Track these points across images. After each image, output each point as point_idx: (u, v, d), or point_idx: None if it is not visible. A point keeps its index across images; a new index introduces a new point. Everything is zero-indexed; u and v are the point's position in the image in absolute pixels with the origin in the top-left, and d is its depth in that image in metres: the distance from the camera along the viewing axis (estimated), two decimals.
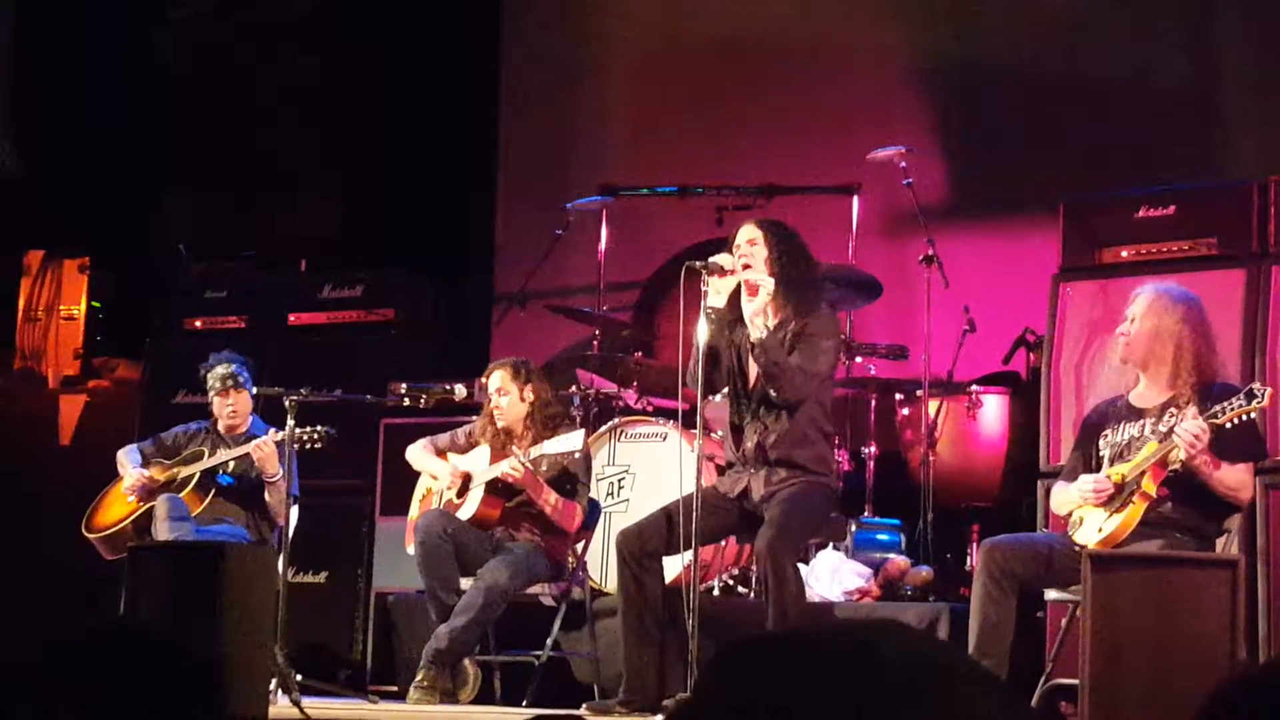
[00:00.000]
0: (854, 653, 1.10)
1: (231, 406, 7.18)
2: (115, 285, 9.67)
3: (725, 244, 6.21)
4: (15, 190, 9.61)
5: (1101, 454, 5.59)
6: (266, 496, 7.01)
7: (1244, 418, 5.23)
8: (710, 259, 6.02)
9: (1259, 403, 5.19)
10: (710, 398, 6.24)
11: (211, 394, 7.24)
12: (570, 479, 6.77)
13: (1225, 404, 5.23)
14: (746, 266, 5.97)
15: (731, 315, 6.05)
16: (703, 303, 6.01)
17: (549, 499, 6.67)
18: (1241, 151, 7.88)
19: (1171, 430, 5.36)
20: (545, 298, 8.69)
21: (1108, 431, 5.61)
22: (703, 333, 6.00)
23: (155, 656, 1.74)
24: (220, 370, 7.19)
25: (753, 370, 6.03)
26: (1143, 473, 5.37)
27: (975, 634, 5.47)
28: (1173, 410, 5.48)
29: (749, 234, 6.01)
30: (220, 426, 7.24)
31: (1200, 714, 1.64)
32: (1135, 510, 5.36)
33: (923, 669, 1.09)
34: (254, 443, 6.95)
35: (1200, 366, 5.51)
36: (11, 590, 8.05)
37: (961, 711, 1.07)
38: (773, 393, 5.93)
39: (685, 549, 6.11)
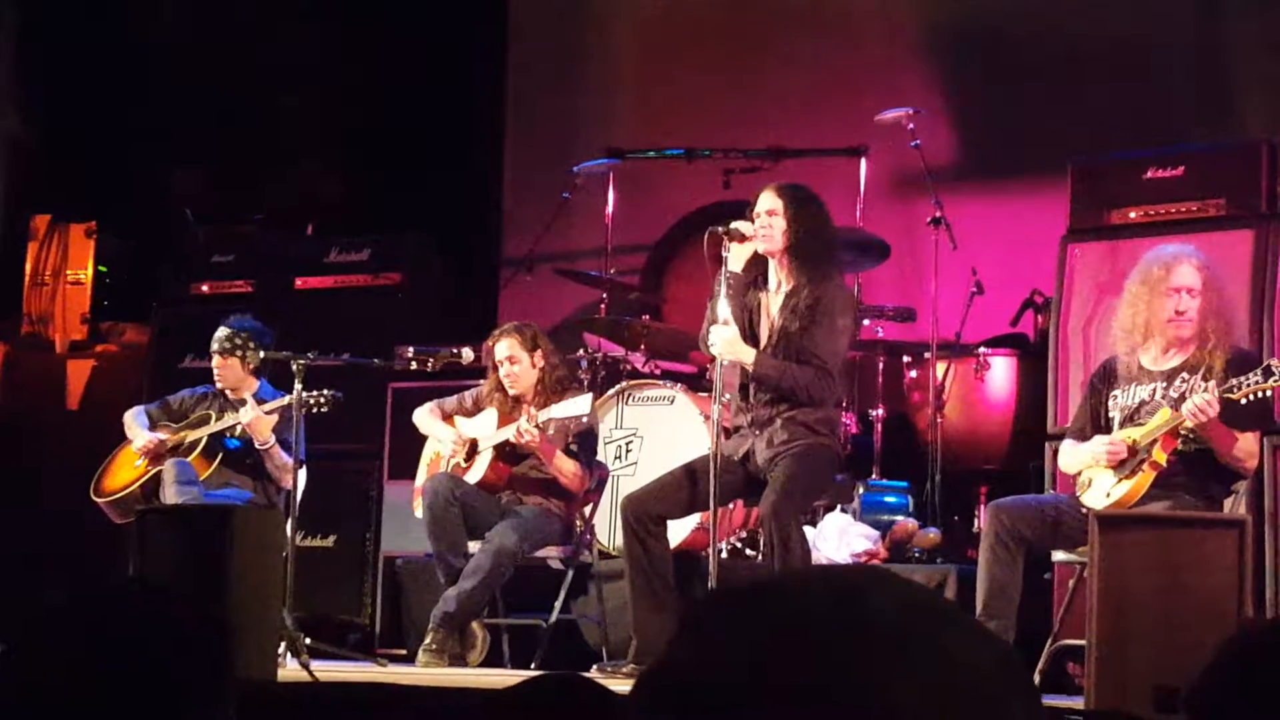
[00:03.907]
0: (835, 605, 1.06)
1: (218, 370, 7.17)
2: (122, 249, 9.67)
3: (732, 207, 6.19)
4: (22, 155, 9.61)
5: (1111, 415, 5.58)
6: (265, 463, 7.01)
7: (1259, 394, 5.21)
8: (732, 224, 5.99)
9: (1276, 381, 5.17)
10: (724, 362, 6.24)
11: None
12: (578, 442, 6.77)
13: (1242, 379, 5.21)
14: (764, 238, 5.95)
15: (746, 280, 6.04)
16: (722, 268, 5.99)
17: (560, 463, 6.68)
18: (1251, 111, 7.85)
19: (1183, 397, 5.34)
20: (552, 261, 8.67)
21: (1117, 392, 5.60)
22: (720, 297, 5.98)
23: (166, 617, 1.74)
24: (219, 332, 7.18)
25: (764, 334, 6.02)
26: (1154, 441, 5.35)
27: (982, 596, 5.48)
28: (1184, 375, 5.46)
29: (769, 203, 5.97)
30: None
31: (1207, 673, 1.64)
32: (1144, 478, 5.36)
33: (909, 621, 1.05)
34: (241, 410, 6.95)
35: (1230, 332, 5.49)
36: (20, 555, 8.07)
37: (950, 664, 1.04)
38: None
39: (691, 513, 6.12)
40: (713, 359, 5.99)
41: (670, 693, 1.06)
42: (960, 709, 1.03)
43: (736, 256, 5.99)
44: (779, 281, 6.02)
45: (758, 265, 6.05)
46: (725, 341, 5.92)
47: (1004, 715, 1.04)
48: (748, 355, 5.93)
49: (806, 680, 1.02)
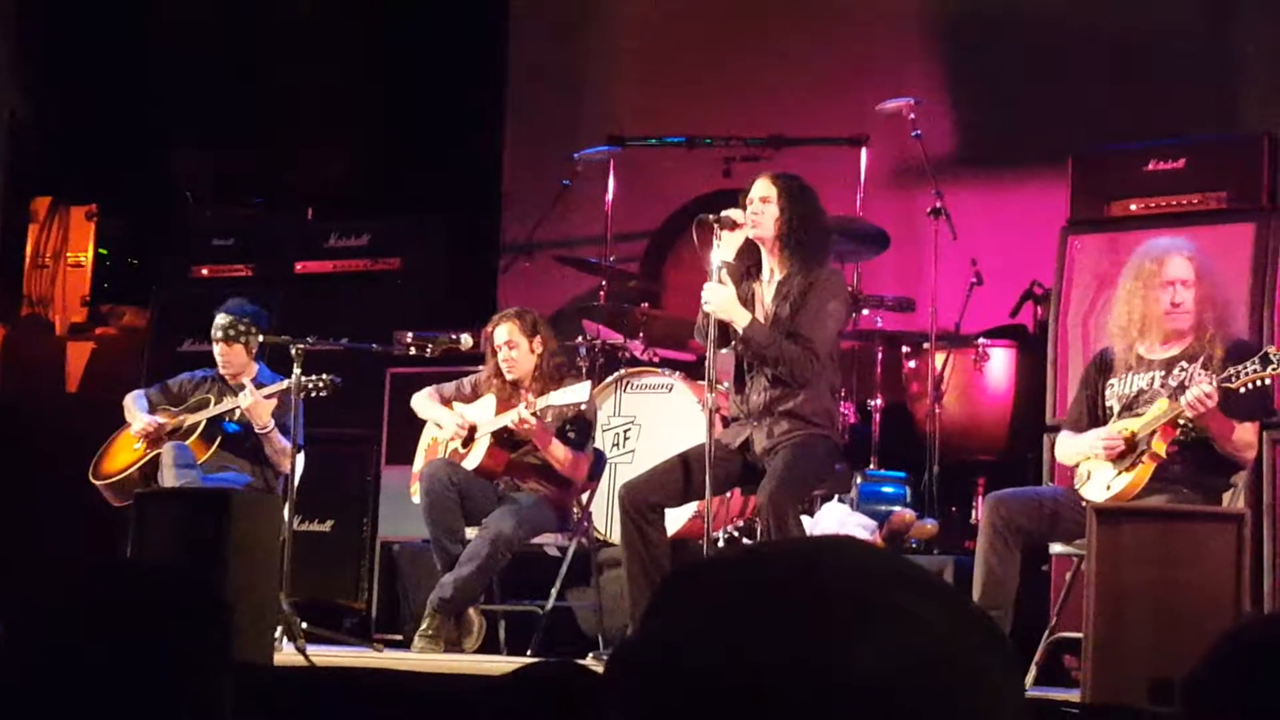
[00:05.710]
0: (794, 575, 1.05)
1: (222, 357, 7.16)
2: (122, 232, 9.66)
3: (733, 195, 6.19)
4: (23, 137, 9.60)
5: (1109, 404, 5.58)
6: (264, 447, 7.00)
7: (1257, 383, 5.21)
8: (723, 213, 5.98)
9: (1274, 369, 5.16)
10: (719, 350, 6.23)
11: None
12: (575, 430, 6.77)
13: (1240, 368, 5.20)
14: (755, 225, 5.95)
15: (740, 269, 6.03)
16: (713, 256, 5.98)
17: (556, 450, 6.68)
18: (1252, 104, 7.84)
19: (1181, 386, 5.34)
20: (552, 248, 8.67)
21: (1114, 381, 5.59)
22: (712, 285, 5.97)
23: (165, 596, 1.75)
24: (219, 319, 7.16)
25: None
26: (1153, 432, 5.35)
27: (980, 587, 5.48)
28: (1183, 365, 5.46)
29: (763, 191, 5.97)
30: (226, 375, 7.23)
31: (1203, 666, 1.64)
32: (1144, 471, 5.35)
33: (868, 587, 1.04)
34: (240, 394, 6.94)
35: (1227, 319, 5.49)
36: (19, 537, 8.07)
37: (912, 628, 1.03)
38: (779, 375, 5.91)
39: (688, 501, 6.11)
40: (713, 350, 5.98)
41: (638, 669, 1.06)
42: (925, 672, 1.02)
43: (728, 244, 5.99)
44: (771, 270, 6.02)
45: (751, 255, 6.04)
46: (721, 299, 5.89)
47: (974, 677, 1.03)
48: (742, 317, 5.89)
49: (767, 651, 1.02)
